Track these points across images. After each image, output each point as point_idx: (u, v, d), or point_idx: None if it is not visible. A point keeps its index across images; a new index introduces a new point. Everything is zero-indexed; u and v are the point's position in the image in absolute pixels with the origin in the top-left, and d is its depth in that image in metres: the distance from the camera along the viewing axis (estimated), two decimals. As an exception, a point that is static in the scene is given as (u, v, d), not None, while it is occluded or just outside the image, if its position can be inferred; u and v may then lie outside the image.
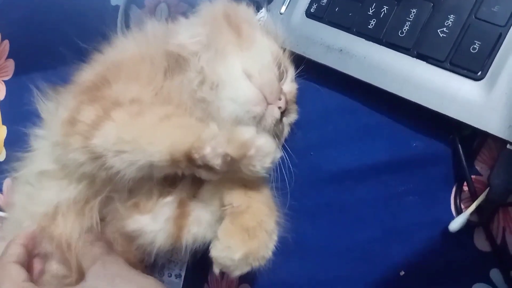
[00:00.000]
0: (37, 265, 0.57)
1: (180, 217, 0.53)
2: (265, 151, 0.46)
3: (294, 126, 0.61)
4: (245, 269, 0.47)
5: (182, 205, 0.53)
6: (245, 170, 0.47)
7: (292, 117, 0.60)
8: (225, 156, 0.45)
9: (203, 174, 0.47)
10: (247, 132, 0.46)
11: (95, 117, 0.48)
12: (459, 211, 0.54)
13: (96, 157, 0.47)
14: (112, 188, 0.53)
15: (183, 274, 0.65)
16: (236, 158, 0.45)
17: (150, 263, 0.61)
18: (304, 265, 0.61)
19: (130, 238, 0.54)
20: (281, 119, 0.57)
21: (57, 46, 0.83)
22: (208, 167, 0.46)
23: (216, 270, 0.48)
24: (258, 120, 0.53)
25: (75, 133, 0.49)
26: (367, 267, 0.58)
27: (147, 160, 0.45)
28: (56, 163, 0.55)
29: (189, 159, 0.45)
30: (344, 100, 0.61)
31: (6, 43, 0.92)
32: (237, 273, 0.47)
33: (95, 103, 0.50)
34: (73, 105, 0.52)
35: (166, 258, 0.65)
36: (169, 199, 0.53)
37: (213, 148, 0.45)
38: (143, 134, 0.46)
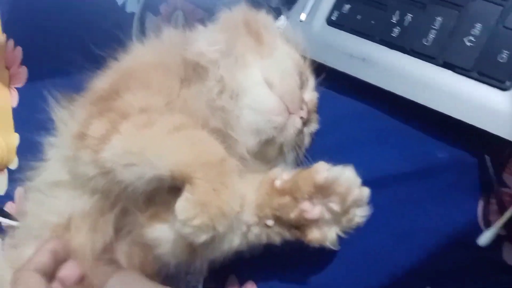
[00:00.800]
0: (62, 271, 0.54)
1: None
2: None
3: (316, 135, 0.59)
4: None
5: None
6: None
7: (313, 126, 0.58)
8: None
9: None
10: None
11: (104, 130, 0.47)
12: (487, 225, 0.52)
13: (106, 171, 0.46)
14: (127, 200, 0.51)
15: (200, 286, 0.63)
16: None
17: (166, 275, 0.59)
18: (315, 271, 0.59)
19: (148, 248, 0.52)
20: (302, 129, 0.55)
21: (71, 53, 0.83)
22: None
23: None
24: (279, 131, 0.52)
25: (85, 147, 0.48)
26: (382, 280, 0.56)
27: (154, 173, 0.44)
28: (69, 174, 0.54)
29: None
30: (365, 108, 0.59)
31: (19, 50, 0.91)
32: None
33: (104, 116, 0.49)
34: (82, 118, 0.51)
35: (183, 270, 0.63)
36: None
37: None
38: (149, 146, 0.45)
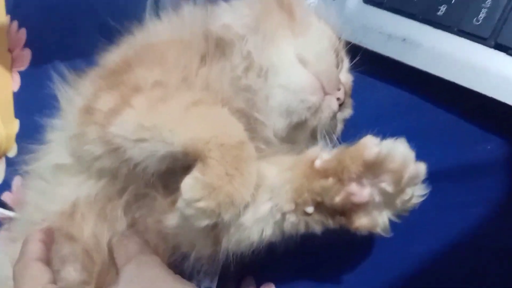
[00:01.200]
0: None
1: None
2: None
3: (348, 123, 0.54)
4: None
5: None
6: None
7: (346, 112, 0.53)
8: None
9: None
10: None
11: (113, 104, 0.44)
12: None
13: (114, 148, 0.43)
14: (139, 184, 0.47)
15: (214, 287, 0.58)
16: None
17: (177, 272, 0.54)
18: (337, 273, 0.54)
19: (161, 238, 0.48)
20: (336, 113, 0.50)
21: (77, 36, 0.79)
22: None
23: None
24: (313, 112, 0.47)
25: (92, 122, 0.45)
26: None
27: (167, 150, 0.40)
28: (72, 157, 0.50)
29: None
30: (404, 95, 0.55)
31: (23, 32, 0.87)
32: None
33: (114, 90, 0.46)
34: (90, 92, 0.48)
35: (196, 268, 0.58)
36: None
37: None
38: (164, 121, 0.41)
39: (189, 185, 0.39)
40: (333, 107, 0.48)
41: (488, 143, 0.50)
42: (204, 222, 0.39)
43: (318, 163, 0.41)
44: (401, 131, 0.52)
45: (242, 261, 0.46)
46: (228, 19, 0.50)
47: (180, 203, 0.39)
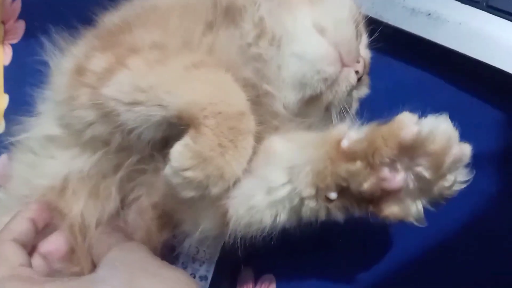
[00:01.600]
0: (45, 245, 0.47)
1: None
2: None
3: (362, 104, 0.50)
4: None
5: None
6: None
7: (363, 90, 0.50)
8: None
9: None
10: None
11: (107, 64, 0.41)
12: None
13: (107, 112, 0.40)
14: (138, 161, 0.44)
15: (209, 276, 0.55)
16: None
17: (170, 258, 0.51)
18: (340, 266, 0.52)
19: (165, 214, 0.45)
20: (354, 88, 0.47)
21: (75, 7, 0.75)
22: None
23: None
24: (329, 84, 0.44)
25: (83, 84, 0.41)
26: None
27: (163, 115, 0.37)
28: (63, 127, 0.47)
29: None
30: (425, 75, 0.52)
31: (18, 2, 0.83)
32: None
33: (108, 50, 0.42)
34: (82, 52, 0.45)
35: (191, 256, 0.54)
36: None
37: None
38: (162, 82, 0.38)
39: (178, 152, 0.35)
40: (351, 80, 0.44)
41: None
42: (190, 193, 0.36)
43: (345, 144, 0.36)
44: (419, 112, 0.50)
45: (241, 250, 0.42)
46: None
47: (167, 170, 0.36)
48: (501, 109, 0.48)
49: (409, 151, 0.34)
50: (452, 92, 0.50)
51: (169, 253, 0.51)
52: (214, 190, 0.36)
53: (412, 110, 0.47)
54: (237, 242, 0.41)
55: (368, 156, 0.35)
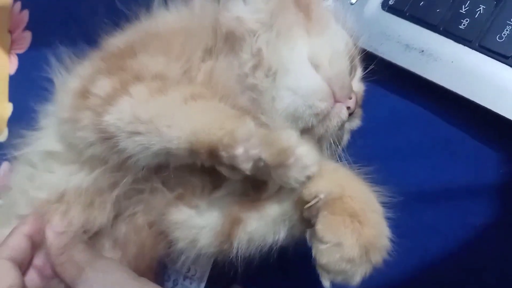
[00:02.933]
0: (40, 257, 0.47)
1: (243, 209, 0.43)
2: (305, 162, 0.37)
3: (356, 134, 0.52)
4: (367, 269, 0.36)
5: (238, 202, 0.44)
6: (276, 178, 0.37)
7: (355, 122, 0.51)
8: (258, 160, 0.36)
9: (224, 171, 0.38)
10: (290, 137, 0.37)
11: (111, 90, 0.41)
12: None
13: (108, 137, 0.41)
14: (136, 180, 0.45)
15: (200, 294, 0.55)
16: (270, 164, 0.36)
17: (160, 277, 0.52)
18: None
19: (160, 233, 0.46)
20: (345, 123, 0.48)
21: (81, 20, 0.76)
22: (233, 167, 0.37)
23: (327, 283, 0.37)
24: (320, 119, 0.45)
25: (86, 107, 0.42)
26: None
27: (163, 146, 0.38)
28: (64, 144, 0.48)
29: (212, 153, 0.37)
30: (417, 109, 0.53)
31: (26, 13, 0.84)
32: (358, 278, 0.36)
33: (114, 74, 0.43)
34: (87, 74, 0.45)
35: (182, 274, 0.55)
36: (223, 192, 0.44)
37: (246, 150, 0.35)
38: (162, 115, 0.39)
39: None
40: (342, 116, 0.46)
41: (501, 166, 0.48)
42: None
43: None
44: (411, 145, 0.51)
45: (231, 268, 0.44)
46: (241, 13, 0.48)
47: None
48: (488, 146, 0.49)
49: None
50: (442, 127, 0.51)
51: (161, 270, 0.52)
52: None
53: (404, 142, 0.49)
54: (230, 260, 0.43)
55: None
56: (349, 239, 0.35)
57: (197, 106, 0.40)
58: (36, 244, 0.46)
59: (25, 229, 0.46)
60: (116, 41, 0.49)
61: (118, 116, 0.40)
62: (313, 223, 0.37)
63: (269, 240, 0.41)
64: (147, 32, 0.49)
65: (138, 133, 0.39)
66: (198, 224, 0.44)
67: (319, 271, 0.36)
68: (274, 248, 0.42)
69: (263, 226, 0.41)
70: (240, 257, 0.42)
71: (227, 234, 0.42)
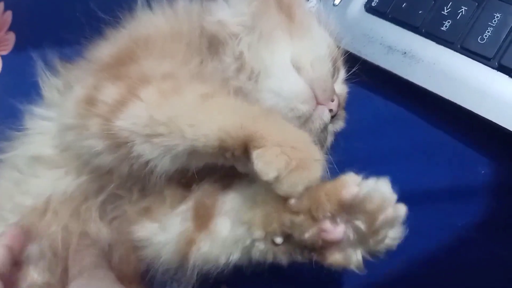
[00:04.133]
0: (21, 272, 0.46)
1: (197, 229, 0.42)
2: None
3: (339, 136, 0.52)
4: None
5: (200, 214, 0.42)
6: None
7: (338, 124, 0.51)
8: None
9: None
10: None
11: (119, 96, 0.40)
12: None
13: (120, 143, 0.39)
14: (119, 186, 0.45)
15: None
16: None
17: (148, 280, 0.51)
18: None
19: (133, 247, 0.45)
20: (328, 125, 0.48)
21: (64, 22, 0.75)
22: None
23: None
24: (303, 122, 0.45)
25: (94, 115, 0.41)
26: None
27: (189, 145, 0.37)
28: (59, 149, 0.47)
29: (246, 149, 0.36)
30: (400, 111, 0.53)
31: (9, 14, 0.83)
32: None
33: (119, 81, 0.42)
34: (91, 83, 0.44)
35: (169, 276, 0.55)
36: (183, 207, 0.43)
37: None
38: (182, 114, 0.37)
39: (264, 163, 0.35)
40: (325, 118, 0.46)
41: (482, 167, 0.49)
42: (314, 172, 0.36)
43: (292, 202, 0.37)
44: (393, 147, 0.51)
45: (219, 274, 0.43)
46: (223, 16, 0.47)
47: (279, 187, 0.35)
48: (470, 147, 0.49)
49: (349, 208, 0.36)
50: (424, 128, 0.51)
51: (148, 272, 0.51)
52: (317, 173, 0.36)
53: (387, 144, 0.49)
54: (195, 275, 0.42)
55: (311, 210, 0.37)
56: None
57: (216, 103, 0.39)
58: (15, 256, 0.45)
59: (5, 240, 0.45)
60: (107, 49, 0.48)
61: (132, 120, 0.39)
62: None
63: (222, 261, 0.40)
64: (140, 36, 0.48)
65: (158, 135, 0.38)
66: (160, 240, 0.43)
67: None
68: (226, 269, 0.41)
69: (215, 248, 0.41)
70: (197, 275, 0.42)
71: (184, 254, 0.41)
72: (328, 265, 0.38)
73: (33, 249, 0.46)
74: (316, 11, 0.54)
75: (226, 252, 0.40)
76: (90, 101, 0.41)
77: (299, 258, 0.39)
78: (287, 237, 0.38)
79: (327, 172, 0.45)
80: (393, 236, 0.37)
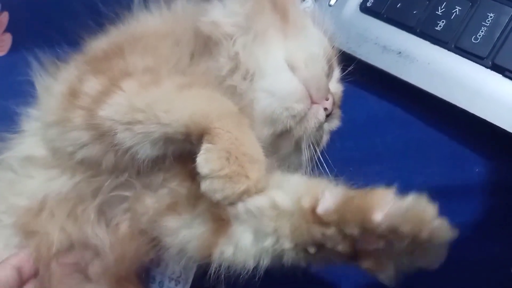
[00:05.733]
0: None
1: (215, 233, 0.42)
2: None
3: (335, 135, 0.52)
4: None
5: (216, 218, 0.42)
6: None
7: (334, 123, 0.51)
8: None
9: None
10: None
11: (101, 87, 0.42)
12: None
13: (103, 133, 0.40)
14: (115, 187, 0.45)
15: (184, 296, 0.55)
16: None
17: (144, 279, 0.51)
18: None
19: (147, 240, 0.45)
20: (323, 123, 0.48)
21: (62, 23, 0.75)
22: None
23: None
24: (298, 121, 0.45)
25: (77, 107, 0.42)
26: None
27: (163, 131, 0.39)
28: (49, 149, 0.47)
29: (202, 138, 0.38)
30: (395, 110, 0.53)
31: (5, 15, 0.83)
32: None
33: (101, 74, 0.43)
34: (74, 76, 0.45)
35: (167, 276, 0.55)
36: (202, 207, 0.43)
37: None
38: (159, 101, 0.39)
39: (204, 159, 0.37)
40: (320, 117, 0.46)
41: (476, 165, 0.49)
42: (238, 188, 0.37)
43: (320, 211, 0.35)
44: (388, 146, 0.52)
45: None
46: (217, 17, 0.48)
47: (204, 185, 0.37)
48: (464, 145, 0.50)
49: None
50: (419, 127, 0.51)
51: (145, 272, 0.52)
52: (254, 176, 0.37)
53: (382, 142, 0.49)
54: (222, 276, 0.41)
55: (341, 226, 0.34)
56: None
57: (192, 93, 0.41)
58: (23, 279, 0.45)
59: (14, 261, 0.45)
60: (99, 43, 0.49)
61: (113, 109, 0.40)
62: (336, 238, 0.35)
63: (250, 265, 0.39)
64: (132, 34, 0.49)
65: (136, 122, 0.39)
66: (185, 236, 0.43)
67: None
68: (259, 274, 0.40)
69: (239, 254, 0.40)
70: (223, 276, 0.41)
71: (206, 254, 0.41)
72: (364, 269, 0.36)
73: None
74: (311, 11, 0.54)
75: (254, 258, 0.39)
76: (73, 94, 0.42)
77: (337, 262, 0.38)
78: (321, 246, 0.36)
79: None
80: (435, 254, 0.34)
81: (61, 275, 0.45)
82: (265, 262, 0.39)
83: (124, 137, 0.39)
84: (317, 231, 0.35)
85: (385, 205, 0.32)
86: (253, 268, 0.40)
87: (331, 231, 0.35)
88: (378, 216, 0.32)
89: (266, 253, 0.39)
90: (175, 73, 0.45)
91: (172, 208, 0.44)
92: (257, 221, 0.39)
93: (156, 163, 0.43)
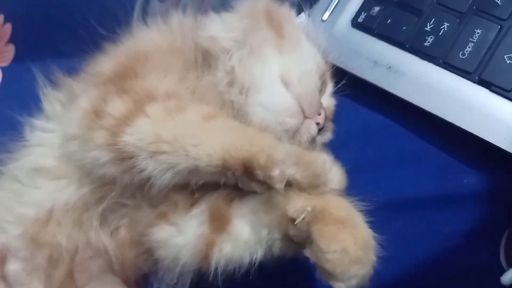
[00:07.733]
0: None
1: (214, 231, 0.44)
2: (334, 187, 0.41)
3: (327, 147, 0.53)
4: (371, 268, 0.38)
5: (215, 217, 0.44)
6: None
7: (327, 136, 0.53)
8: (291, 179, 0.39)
9: (254, 187, 0.39)
10: (324, 162, 0.41)
11: (125, 110, 0.41)
12: (510, 262, 0.47)
13: (125, 157, 0.40)
14: (120, 195, 0.46)
15: (182, 303, 0.56)
16: (301, 184, 0.39)
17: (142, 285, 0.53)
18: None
19: (143, 249, 0.47)
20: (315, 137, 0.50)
21: (64, 34, 0.77)
22: (264, 182, 0.38)
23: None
24: (291, 135, 0.47)
25: (101, 127, 0.41)
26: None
27: (191, 164, 0.38)
28: (61, 160, 0.48)
29: (247, 170, 0.38)
30: (386, 122, 0.55)
31: (8, 26, 0.84)
32: (367, 278, 0.38)
33: (125, 95, 0.43)
34: (97, 95, 0.44)
35: (164, 281, 0.56)
36: (196, 210, 0.45)
37: (283, 171, 0.37)
38: (186, 134, 0.39)
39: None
40: (312, 131, 0.48)
41: (464, 176, 0.50)
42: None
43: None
44: (380, 157, 0.53)
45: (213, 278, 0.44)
46: (214, 31, 0.49)
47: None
48: (452, 157, 0.51)
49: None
50: (410, 140, 0.53)
51: (142, 278, 0.53)
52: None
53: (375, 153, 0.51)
54: (218, 277, 0.43)
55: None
56: (350, 243, 0.37)
57: (218, 124, 0.41)
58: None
59: None
60: (106, 65, 0.49)
61: (138, 136, 0.40)
62: (304, 238, 0.39)
63: (246, 260, 0.42)
64: (137, 51, 0.49)
65: (162, 153, 0.39)
66: (178, 243, 0.44)
67: (334, 284, 0.37)
68: (253, 267, 0.43)
69: (237, 249, 0.42)
70: (220, 275, 0.43)
71: (204, 255, 0.43)
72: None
73: (36, 261, 0.47)
74: (305, 26, 0.56)
75: (250, 252, 0.42)
76: (97, 113, 0.42)
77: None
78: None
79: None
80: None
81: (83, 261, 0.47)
82: (259, 254, 0.42)
83: (147, 165, 0.39)
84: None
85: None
86: (248, 264, 0.42)
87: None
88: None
89: (260, 244, 0.42)
90: (191, 93, 0.46)
91: (162, 216, 0.45)
92: (255, 215, 0.42)
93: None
